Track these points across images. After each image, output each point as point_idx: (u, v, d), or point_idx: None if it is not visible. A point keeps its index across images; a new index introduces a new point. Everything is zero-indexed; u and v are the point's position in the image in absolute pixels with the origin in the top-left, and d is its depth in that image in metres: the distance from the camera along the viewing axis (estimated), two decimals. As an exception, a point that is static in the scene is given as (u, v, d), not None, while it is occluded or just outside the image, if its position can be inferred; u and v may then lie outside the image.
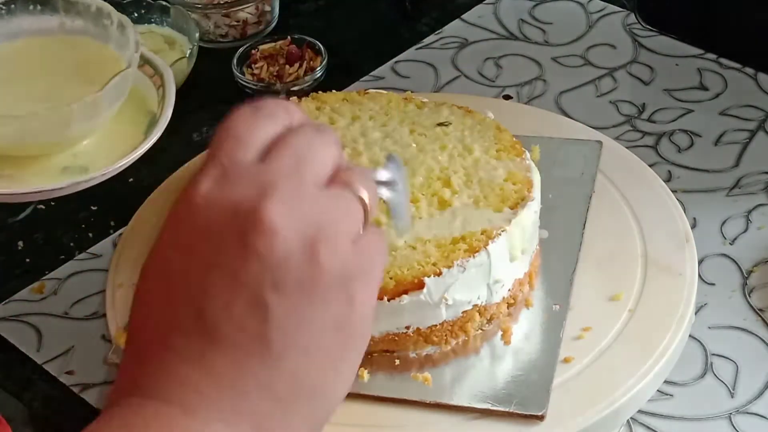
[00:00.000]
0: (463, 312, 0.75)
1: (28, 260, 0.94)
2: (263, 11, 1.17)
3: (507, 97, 1.08)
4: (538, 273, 0.81)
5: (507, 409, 0.72)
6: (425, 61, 1.13)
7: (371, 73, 1.12)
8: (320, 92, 0.88)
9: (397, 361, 0.75)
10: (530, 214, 0.77)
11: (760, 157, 0.99)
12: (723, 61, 1.10)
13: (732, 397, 0.80)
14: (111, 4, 1.12)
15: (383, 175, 0.55)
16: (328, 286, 0.48)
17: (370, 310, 0.50)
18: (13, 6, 0.87)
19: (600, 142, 0.91)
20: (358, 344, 0.50)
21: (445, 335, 0.76)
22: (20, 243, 0.96)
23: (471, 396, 0.73)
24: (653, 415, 0.79)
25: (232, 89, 1.10)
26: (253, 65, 1.11)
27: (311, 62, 1.10)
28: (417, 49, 1.15)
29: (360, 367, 0.74)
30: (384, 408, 0.73)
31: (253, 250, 0.47)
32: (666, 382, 0.78)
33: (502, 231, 0.75)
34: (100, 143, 0.84)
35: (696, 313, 0.83)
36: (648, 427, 0.79)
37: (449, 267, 0.73)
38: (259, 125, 0.50)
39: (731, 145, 1.01)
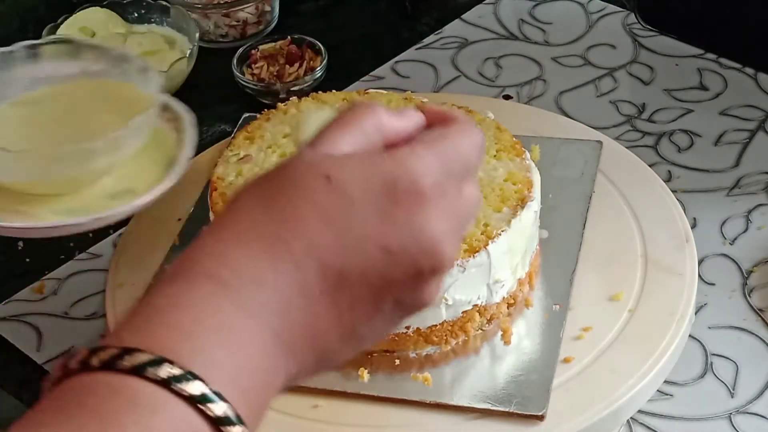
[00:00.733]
0: (463, 312, 0.75)
1: (28, 260, 0.94)
2: (263, 11, 1.17)
3: (507, 97, 1.08)
4: (538, 273, 0.81)
5: (507, 409, 0.72)
6: (425, 61, 1.13)
7: (371, 73, 1.12)
8: (320, 92, 0.88)
9: (397, 361, 0.75)
10: (530, 214, 0.77)
11: (760, 157, 0.99)
12: (723, 61, 1.10)
13: (732, 397, 0.80)
14: (112, 5, 1.13)
15: None
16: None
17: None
18: (35, 51, 0.87)
19: (600, 142, 0.91)
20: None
21: (445, 335, 0.76)
22: (20, 243, 0.96)
23: (471, 396, 0.73)
24: (653, 415, 0.79)
25: (232, 89, 1.10)
26: (253, 65, 1.11)
27: (311, 62, 1.10)
28: (417, 49, 1.15)
29: (360, 367, 0.74)
30: (384, 408, 0.73)
31: (418, 274, 0.51)
32: (666, 382, 0.78)
33: (502, 231, 0.75)
34: (118, 182, 0.85)
35: (696, 313, 0.83)
36: (648, 427, 0.79)
37: (449, 267, 0.73)
38: (475, 151, 0.55)
39: (731, 145, 1.01)
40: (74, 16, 1.11)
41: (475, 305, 0.76)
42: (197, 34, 1.09)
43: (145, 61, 0.88)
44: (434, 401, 0.73)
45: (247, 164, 0.81)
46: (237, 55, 1.10)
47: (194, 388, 0.44)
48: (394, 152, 0.52)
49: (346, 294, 0.50)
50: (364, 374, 0.74)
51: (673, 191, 0.88)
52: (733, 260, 0.90)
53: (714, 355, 0.83)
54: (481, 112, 0.85)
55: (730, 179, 0.97)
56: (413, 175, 0.51)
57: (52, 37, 0.89)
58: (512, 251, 0.76)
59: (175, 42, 1.11)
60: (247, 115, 0.98)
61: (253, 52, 1.11)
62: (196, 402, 0.44)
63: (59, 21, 1.11)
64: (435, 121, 0.55)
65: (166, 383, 0.44)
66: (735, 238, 0.92)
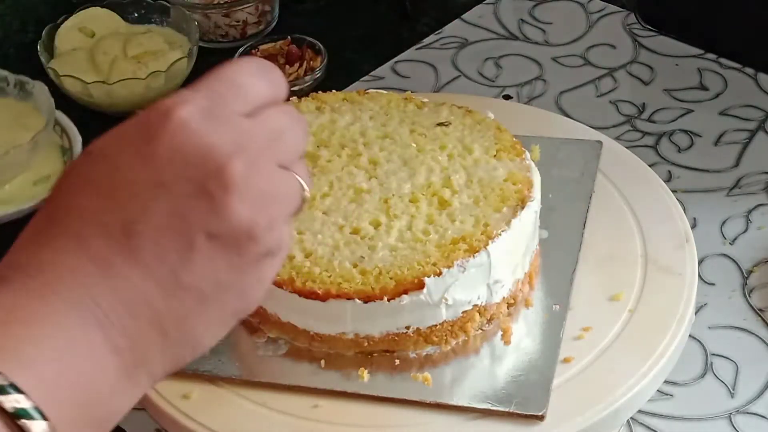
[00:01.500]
0: (463, 312, 0.75)
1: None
2: (263, 11, 1.17)
3: (507, 97, 1.08)
4: (538, 273, 0.81)
5: (507, 409, 0.72)
6: (425, 61, 1.13)
7: (371, 73, 1.12)
8: (320, 92, 0.88)
9: (397, 361, 0.75)
10: (530, 214, 0.77)
11: (760, 157, 0.99)
12: (723, 61, 1.10)
13: (732, 397, 0.80)
14: (112, 5, 1.13)
15: None
16: (253, 257, 0.50)
17: (268, 286, 0.53)
18: None
19: (600, 142, 0.91)
20: (246, 312, 0.52)
21: (445, 335, 0.76)
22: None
23: (471, 396, 0.73)
24: (653, 415, 0.79)
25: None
26: (253, 65, 1.10)
27: (311, 62, 1.10)
28: (417, 49, 1.15)
29: (360, 367, 0.74)
30: (384, 408, 0.73)
31: (207, 195, 0.48)
32: (666, 382, 0.78)
33: (502, 231, 0.75)
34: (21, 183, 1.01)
35: (696, 313, 0.83)
36: (648, 427, 0.79)
37: (449, 267, 0.73)
38: (258, 84, 0.52)
39: (731, 145, 1.01)
40: (74, 16, 1.12)
41: (475, 305, 0.76)
42: (197, 34, 1.09)
43: (22, 77, 1.04)
44: (434, 401, 0.73)
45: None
46: (237, 55, 1.10)
47: None
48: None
49: (145, 244, 0.48)
50: (364, 374, 0.74)
51: (673, 191, 0.88)
52: (733, 260, 0.90)
53: (714, 355, 0.83)
54: (481, 112, 0.85)
55: (730, 179, 0.97)
56: (165, 108, 0.49)
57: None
58: (512, 251, 0.76)
59: (175, 42, 1.11)
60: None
61: (253, 52, 1.11)
62: None
63: (59, 21, 1.11)
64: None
65: None
66: (735, 238, 0.92)
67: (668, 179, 0.97)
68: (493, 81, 1.10)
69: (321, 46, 1.11)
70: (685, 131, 1.03)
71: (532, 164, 0.81)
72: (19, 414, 0.44)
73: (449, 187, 0.78)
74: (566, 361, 0.75)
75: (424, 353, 0.76)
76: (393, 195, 0.78)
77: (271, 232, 0.51)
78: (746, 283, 0.88)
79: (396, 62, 1.13)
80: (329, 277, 0.73)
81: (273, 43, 1.12)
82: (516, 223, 0.76)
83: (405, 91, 0.90)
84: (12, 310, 0.47)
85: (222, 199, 0.48)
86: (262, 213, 0.50)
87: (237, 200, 0.49)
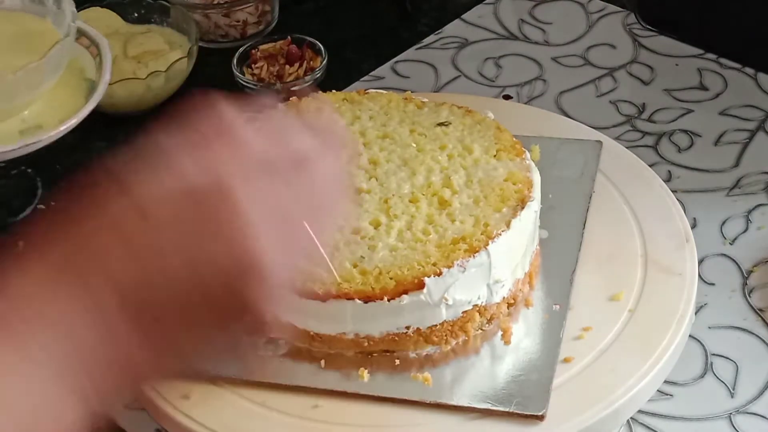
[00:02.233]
0: (463, 312, 0.75)
1: (28, 260, 0.94)
2: (263, 11, 1.17)
3: (507, 97, 1.08)
4: (538, 273, 0.81)
5: (507, 409, 0.72)
6: (425, 61, 1.13)
7: (371, 73, 1.12)
8: (320, 92, 0.88)
9: (397, 361, 0.75)
10: (530, 214, 0.77)
11: (760, 157, 0.99)
12: (723, 61, 1.10)
13: (732, 397, 0.80)
14: (112, 5, 1.13)
15: None
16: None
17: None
18: None
19: (600, 142, 0.91)
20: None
21: (445, 335, 0.76)
22: (20, 243, 0.96)
23: (471, 396, 0.73)
24: (653, 415, 0.79)
25: (232, 89, 1.10)
26: (253, 65, 1.11)
27: (311, 62, 1.10)
28: (417, 49, 1.15)
29: (360, 367, 0.74)
30: (384, 408, 0.73)
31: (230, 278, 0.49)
32: (666, 382, 0.78)
33: (502, 231, 0.75)
34: (44, 110, 0.88)
35: (696, 313, 0.83)
36: (648, 427, 0.79)
37: (449, 267, 0.73)
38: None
39: (731, 145, 1.01)
40: (74, 16, 1.11)
41: (475, 305, 0.76)
42: (197, 34, 1.09)
43: None
44: (434, 401, 0.73)
45: (247, 164, 0.81)
46: (237, 55, 1.10)
47: None
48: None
49: (151, 317, 0.48)
50: (364, 374, 0.74)
51: (673, 191, 0.88)
52: (733, 260, 0.90)
53: (714, 355, 0.83)
54: (481, 112, 0.85)
55: (730, 179, 0.97)
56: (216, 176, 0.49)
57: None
58: (512, 251, 0.76)
59: (175, 42, 1.11)
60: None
61: (253, 52, 1.11)
62: None
63: (59, 21, 1.11)
64: None
65: None
66: (735, 238, 0.92)
67: (668, 179, 0.97)
68: (493, 81, 1.10)
69: (321, 46, 1.11)
70: (685, 131, 1.03)
71: (532, 164, 0.81)
72: None
73: (449, 187, 0.78)
74: (566, 361, 0.75)
75: (424, 353, 0.76)
76: (393, 195, 0.78)
77: None
78: (746, 283, 0.88)
79: (396, 62, 1.13)
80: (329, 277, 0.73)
81: (273, 43, 1.12)
82: (516, 223, 0.76)
83: (405, 91, 0.90)
84: None
85: (247, 294, 0.50)
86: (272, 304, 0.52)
87: (259, 294, 0.51)
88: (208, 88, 1.14)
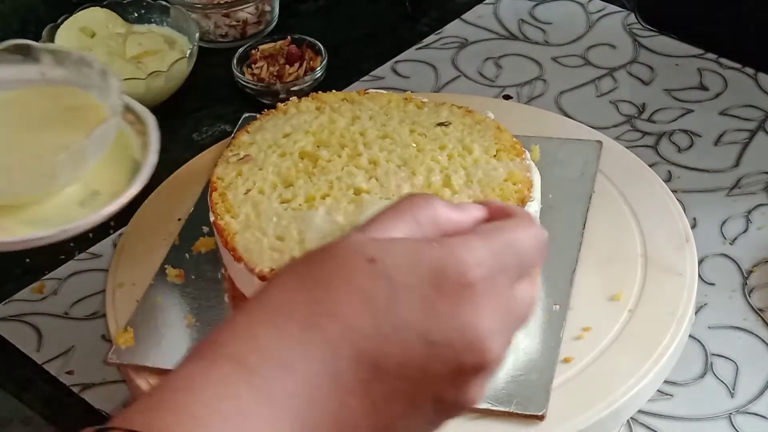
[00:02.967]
0: (463, 312, 0.75)
1: (28, 260, 0.94)
2: (263, 11, 1.17)
3: (507, 97, 1.08)
4: (538, 273, 0.81)
5: (507, 409, 0.72)
6: (425, 61, 1.13)
7: (371, 73, 1.12)
8: (320, 92, 0.88)
9: (397, 361, 0.75)
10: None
11: (760, 157, 0.99)
12: (723, 61, 1.10)
13: (732, 397, 0.80)
14: (112, 5, 1.13)
15: None
16: (447, 422, 0.52)
17: None
18: None
19: (600, 142, 0.91)
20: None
21: (445, 335, 0.76)
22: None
23: (471, 396, 0.73)
24: (653, 415, 0.79)
25: (232, 89, 1.10)
26: (253, 65, 1.11)
27: (311, 62, 1.10)
28: (417, 49, 1.15)
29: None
30: (384, 408, 0.73)
31: (459, 368, 0.49)
32: (666, 382, 0.78)
33: (502, 231, 0.75)
34: (83, 188, 0.83)
35: (696, 313, 0.83)
36: (648, 427, 0.79)
37: (449, 267, 0.73)
38: (536, 260, 0.54)
39: (731, 145, 1.01)
40: (74, 16, 1.11)
41: (475, 305, 0.76)
42: (197, 34, 1.09)
43: (105, 64, 0.86)
44: (434, 401, 0.73)
45: (247, 164, 0.81)
46: (237, 55, 1.11)
47: None
48: (445, 240, 0.50)
49: (383, 385, 0.47)
50: (364, 374, 0.74)
51: (673, 191, 0.88)
52: (733, 260, 0.90)
53: (714, 355, 0.83)
54: (481, 112, 0.85)
55: (730, 179, 0.97)
56: (463, 265, 0.49)
57: (8, 42, 0.87)
58: (512, 251, 0.76)
59: (175, 42, 1.11)
60: (247, 115, 0.99)
61: (253, 52, 1.11)
62: None
63: (59, 21, 1.11)
64: (496, 216, 0.53)
65: None
66: (735, 238, 0.92)
67: (668, 179, 0.97)
68: (493, 81, 1.10)
69: (321, 46, 1.11)
70: (685, 131, 1.03)
71: (532, 164, 0.81)
72: None
73: (449, 187, 0.78)
74: (566, 361, 0.75)
75: (424, 353, 0.76)
76: (393, 195, 0.78)
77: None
78: (746, 283, 0.88)
79: (396, 62, 1.13)
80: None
81: (273, 43, 1.12)
82: (516, 223, 0.76)
83: (405, 91, 0.90)
84: (248, 414, 0.45)
85: (469, 379, 0.49)
86: (484, 391, 0.51)
87: (480, 383, 0.50)
88: (209, 88, 1.15)
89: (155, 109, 1.08)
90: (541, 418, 0.71)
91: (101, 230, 0.96)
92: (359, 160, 0.81)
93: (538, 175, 0.81)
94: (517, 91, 1.08)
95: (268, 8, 1.18)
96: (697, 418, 0.79)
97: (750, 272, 0.89)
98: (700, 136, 1.02)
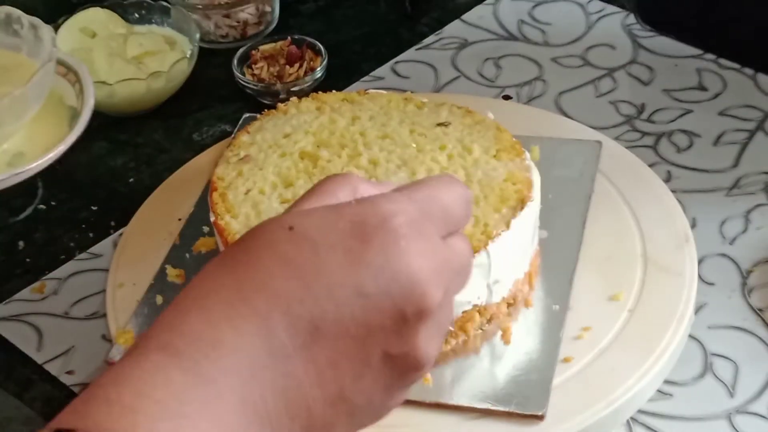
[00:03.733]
0: (463, 312, 0.75)
1: (28, 260, 0.95)
2: (263, 12, 1.17)
3: (507, 97, 1.08)
4: (538, 273, 0.81)
5: (507, 409, 0.72)
6: (425, 62, 1.13)
7: (371, 73, 1.12)
8: (320, 92, 0.88)
9: (397, 361, 0.75)
10: (530, 214, 0.78)
11: (759, 157, 0.99)
12: (722, 61, 1.10)
13: (732, 397, 0.80)
14: (113, 5, 1.13)
15: None
16: (409, 383, 0.50)
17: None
18: None
19: (600, 142, 0.91)
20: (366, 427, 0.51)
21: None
22: (20, 243, 0.96)
23: (471, 396, 0.73)
24: (653, 415, 0.79)
25: (232, 89, 1.10)
26: (253, 65, 1.11)
27: (311, 62, 1.10)
28: (417, 49, 1.15)
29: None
30: (384, 408, 0.73)
31: (402, 318, 0.47)
32: (666, 382, 0.78)
33: (502, 231, 0.75)
34: (26, 140, 0.87)
35: (696, 313, 0.83)
36: (648, 427, 0.79)
37: (449, 267, 0.73)
38: (461, 214, 0.52)
39: (730, 145, 1.01)
40: (74, 16, 1.12)
41: (475, 305, 0.76)
42: (198, 35, 1.10)
43: (34, 18, 0.89)
44: (434, 401, 0.73)
45: (247, 164, 0.82)
46: (237, 55, 1.11)
47: None
48: (363, 198, 0.49)
49: (324, 349, 0.46)
50: (365, 374, 0.74)
51: (673, 191, 0.88)
52: (732, 260, 0.90)
53: (714, 355, 0.83)
54: (481, 112, 0.86)
55: (729, 179, 0.97)
56: (384, 213, 0.48)
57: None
58: (512, 251, 0.76)
59: (175, 42, 1.11)
60: (247, 115, 0.99)
61: (253, 52, 1.11)
62: None
63: (59, 21, 1.11)
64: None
65: None
66: (734, 238, 0.92)
67: (668, 179, 0.97)
68: (493, 81, 1.10)
69: (321, 46, 1.11)
70: (685, 131, 1.03)
71: (532, 164, 0.81)
72: None
73: (449, 188, 0.78)
74: (566, 361, 0.75)
75: (424, 353, 0.76)
76: (393, 195, 0.78)
77: (433, 362, 0.50)
78: (746, 283, 0.88)
79: (396, 62, 1.13)
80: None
81: (273, 43, 1.12)
82: (516, 224, 0.76)
83: (405, 91, 0.90)
84: (183, 398, 0.43)
85: (414, 328, 0.48)
86: (438, 344, 0.50)
87: (425, 330, 0.48)
88: (209, 88, 1.15)
89: (156, 110, 1.09)
90: (541, 418, 0.71)
91: (101, 230, 0.96)
92: (359, 160, 0.81)
93: (538, 175, 0.81)
94: (517, 92, 1.08)
95: (268, 9, 1.18)
96: (697, 418, 0.79)
97: (749, 272, 0.89)
98: (699, 136, 1.02)
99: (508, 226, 0.75)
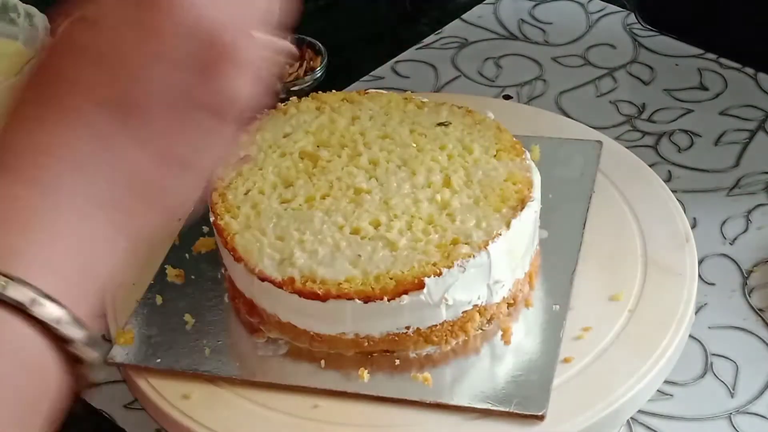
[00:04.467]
0: (463, 312, 0.75)
1: (28, 260, 0.94)
2: (263, 11, 1.17)
3: (507, 97, 1.08)
4: (538, 273, 0.81)
5: (507, 409, 0.72)
6: (425, 61, 1.13)
7: (371, 73, 1.12)
8: (320, 92, 0.88)
9: (397, 361, 0.75)
10: (530, 214, 0.77)
11: (760, 157, 0.99)
12: (723, 61, 1.10)
13: (732, 397, 0.80)
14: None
15: None
16: (230, 119, 0.51)
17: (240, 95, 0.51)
18: None
19: (600, 142, 0.91)
20: (211, 172, 0.53)
21: (445, 335, 0.76)
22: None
23: (471, 396, 0.73)
24: (653, 415, 0.79)
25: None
26: (253, 65, 1.10)
27: (311, 62, 1.10)
28: (417, 49, 1.15)
29: (360, 367, 0.74)
30: (384, 408, 0.73)
31: (204, 65, 0.48)
32: (666, 382, 0.78)
33: (502, 231, 0.75)
34: None
35: (696, 313, 0.83)
36: (648, 427, 0.79)
37: (449, 267, 0.73)
38: None
39: (731, 145, 1.01)
40: (74, 16, 1.11)
41: (475, 305, 0.76)
42: (197, 34, 1.09)
43: (29, 6, 0.92)
44: (434, 401, 0.73)
45: (246, 164, 0.81)
46: (237, 55, 1.10)
47: None
48: None
49: (141, 118, 0.47)
50: (364, 374, 0.74)
51: (673, 191, 0.88)
52: (733, 260, 0.90)
53: (714, 355, 0.83)
54: (481, 112, 0.85)
55: (730, 179, 0.97)
56: None
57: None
58: (512, 251, 0.76)
59: (175, 42, 1.11)
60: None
61: (253, 52, 1.11)
62: None
63: (59, 21, 1.11)
64: None
65: None
66: (735, 238, 0.92)
67: (668, 179, 0.97)
68: (493, 81, 1.10)
69: (321, 46, 1.11)
70: (685, 131, 1.03)
71: (532, 164, 0.81)
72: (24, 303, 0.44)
73: (449, 187, 0.78)
74: (566, 361, 0.75)
75: (424, 353, 0.76)
76: (393, 195, 0.78)
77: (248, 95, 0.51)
78: (746, 283, 0.88)
79: (396, 62, 1.13)
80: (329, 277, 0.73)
81: (273, 43, 1.12)
82: (516, 224, 0.76)
83: (405, 91, 0.90)
84: (16, 207, 0.45)
85: (218, 73, 0.49)
86: (249, 78, 0.51)
87: (230, 72, 0.49)
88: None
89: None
90: (541, 418, 0.71)
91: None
92: (359, 160, 0.81)
93: (538, 175, 0.81)
94: (517, 91, 1.08)
95: (268, 8, 1.18)
96: (697, 418, 0.79)
97: (750, 272, 0.89)
98: (700, 136, 1.02)
99: (508, 226, 0.75)
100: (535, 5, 1.20)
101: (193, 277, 0.83)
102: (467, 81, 1.10)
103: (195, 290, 0.82)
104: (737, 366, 0.82)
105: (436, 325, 0.75)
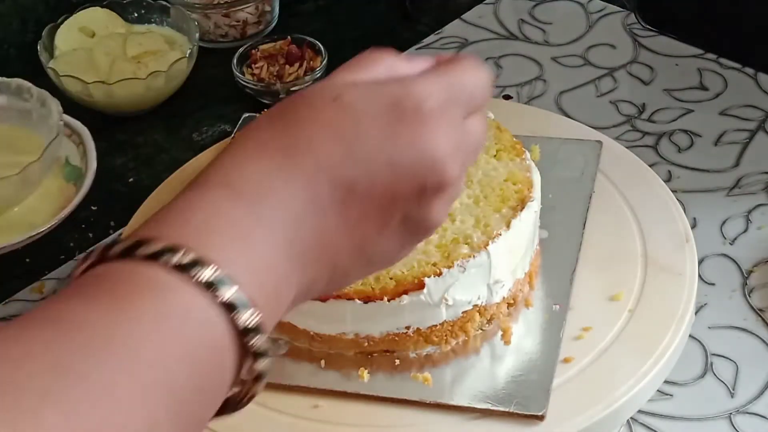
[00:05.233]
0: (463, 312, 0.75)
1: (28, 260, 0.94)
2: (263, 11, 1.17)
3: (507, 97, 1.08)
4: (538, 273, 0.81)
5: (507, 409, 0.72)
6: (425, 61, 1.13)
7: (371, 73, 1.12)
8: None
9: (397, 361, 0.75)
10: (530, 214, 0.77)
11: (760, 157, 0.99)
12: (723, 61, 1.10)
13: (732, 397, 0.80)
14: (112, 5, 1.13)
15: None
16: (418, 241, 0.57)
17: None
18: None
19: (600, 142, 0.91)
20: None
21: (445, 335, 0.76)
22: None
23: (471, 396, 0.73)
24: (653, 415, 0.79)
25: (232, 89, 1.10)
26: (253, 65, 1.11)
27: (311, 62, 1.10)
28: (417, 49, 1.15)
29: (360, 367, 0.74)
30: (384, 408, 0.73)
31: (422, 188, 0.53)
32: (666, 382, 0.78)
33: (502, 231, 0.75)
34: (36, 200, 0.96)
35: (696, 313, 0.83)
36: (648, 427, 0.79)
37: (449, 267, 0.73)
38: (482, 94, 0.58)
39: (731, 145, 1.01)
40: (74, 16, 1.12)
41: (475, 305, 0.76)
42: (197, 34, 1.09)
43: (43, 90, 0.98)
44: (434, 401, 0.73)
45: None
46: (237, 55, 1.11)
47: (205, 273, 0.46)
48: (402, 77, 0.56)
49: (356, 206, 0.52)
50: (364, 374, 0.74)
51: (673, 191, 0.88)
52: (733, 260, 0.90)
53: (714, 355, 0.83)
54: (481, 112, 0.85)
55: (730, 179, 0.97)
56: (418, 95, 0.54)
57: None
58: (512, 251, 0.76)
59: (175, 42, 1.11)
60: (247, 115, 0.98)
61: (253, 52, 1.11)
62: (208, 287, 0.45)
63: (59, 21, 1.11)
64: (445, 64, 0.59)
65: (180, 269, 0.45)
66: (735, 238, 0.92)
67: (668, 179, 0.97)
68: (494, 81, 1.10)
69: (321, 46, 1.11)
70: (685, 131, 1.03)
71: (532, 164, 0.81)
72: (213, 284, 0.46)
73: (449, 187, 0.78)
74: (566, 361, 0.75)
75: (424, 353, 0.76)
76: (393, 195, 0.78)
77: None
78: (746, 283, 0.88)
79: (396, 62, 1.13)
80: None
81: (273, 43, 1.12)
82: (516, 223, 0.76)
83: (405, 91, 0.90)
84: (245, 232, 0.49)
85: (432, 197, 0.54)
86: (447, 211, 0.56)
87: (441, 201, 0.55)
88: (209, 88, 1.15)
89: (155, 110, 1.09)
90: (541, 418, 0.71)
91: (101, 230, 0.96)
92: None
93: (538, 175, 0.81)
94: (517, 91, 1.08)
95: (268, 8, 1.18)
96: (697, 418, 0.79)
97: (750, 272, 0.89)
98: (700, 136, 1.02)
99: (508, 226, 0.75)
100: (535, 5, 1.20)
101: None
102: (467, 81, 1.10)
103: (195, 290, 0.81)
104: (737, 366, 0.82)
105: (436, 325, 0.75)
